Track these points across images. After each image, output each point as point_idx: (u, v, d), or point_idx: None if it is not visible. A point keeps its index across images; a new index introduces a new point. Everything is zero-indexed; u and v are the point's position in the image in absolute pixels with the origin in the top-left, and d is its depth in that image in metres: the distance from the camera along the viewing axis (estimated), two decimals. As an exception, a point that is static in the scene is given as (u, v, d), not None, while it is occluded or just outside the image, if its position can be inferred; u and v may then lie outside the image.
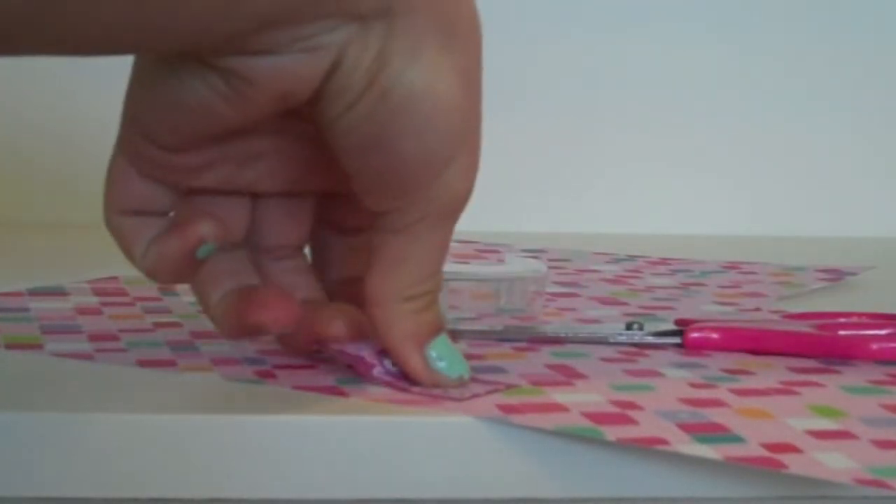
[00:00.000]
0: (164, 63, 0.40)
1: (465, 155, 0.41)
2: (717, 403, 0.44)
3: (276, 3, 0.37)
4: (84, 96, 0.90)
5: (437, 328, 0.44)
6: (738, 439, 0.40)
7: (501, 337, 0.54)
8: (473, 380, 0.45)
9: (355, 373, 0.45)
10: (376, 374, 0.44)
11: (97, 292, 0.62)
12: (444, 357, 0.44)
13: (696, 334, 0.53)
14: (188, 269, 0.44)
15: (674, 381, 0.47)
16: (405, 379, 0.44)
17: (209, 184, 0.44)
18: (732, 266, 0.77)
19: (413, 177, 0.41)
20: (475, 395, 0.43)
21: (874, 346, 0.51)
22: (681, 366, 0.50)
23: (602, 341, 0.53)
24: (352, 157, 0.41)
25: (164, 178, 0.44)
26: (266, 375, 0.46)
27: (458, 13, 0.40)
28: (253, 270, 0.47)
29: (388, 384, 0.44)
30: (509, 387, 0.45)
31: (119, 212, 0.44)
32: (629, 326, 0.54)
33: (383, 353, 0.45)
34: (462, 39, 0.40)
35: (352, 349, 0.45)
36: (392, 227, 0.42)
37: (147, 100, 0.42)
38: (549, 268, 0.66)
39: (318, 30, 0.39)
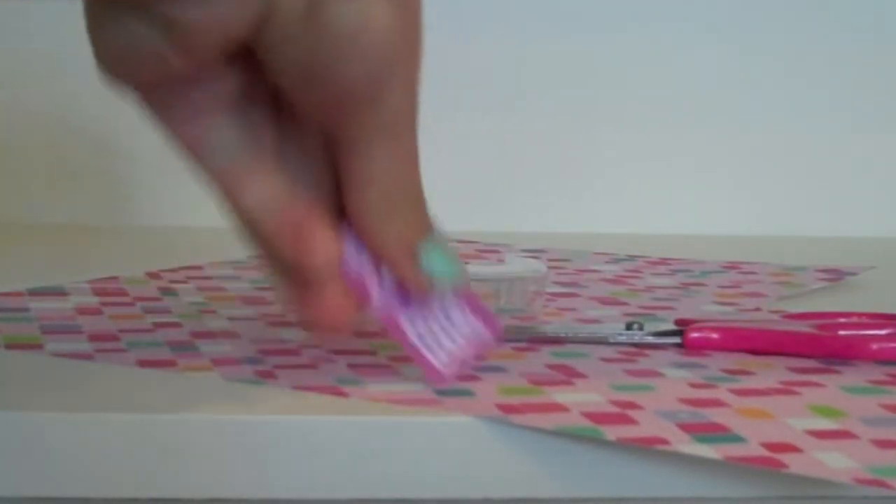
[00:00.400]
0: (109, 11, 0.40)
1: (405, 72, 0.42)
2: (717, 403, 0.44)
3: None
4: (84, 96, 0.90)
5: (423, 232, 0.44)
6: (738, 439, 0.40)
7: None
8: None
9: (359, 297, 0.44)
10: (376, 304, 0.44)
11: (97, 292, 0.62)
12: (433, 260, 0.44)
13: (696, 334, 0.53)
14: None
15: (674, 381, 0.47)
16: (402, 294, 0.44)
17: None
18: (732, 266, 0.77)
19: (355, 97, 0.41)
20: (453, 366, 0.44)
21: (874, 346, 0.51)
22: (681, 366, 0.50)
23: (602, 341, 0.53)
24: (294, 83, 0.42)
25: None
26: (266, 375, 0.46)
27: None
28: (274, 153, 0.45)
29: (385, 319, 0.44)
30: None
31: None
32: (629, 326, 0.54)
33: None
34: None
35: (353, 265, 0.44)
36: (349, 149, 0.42)
37: (100, 45, 0.41)
38: (549, 268, 0.66)
39: None
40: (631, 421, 0.42)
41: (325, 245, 0.43)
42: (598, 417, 0.42)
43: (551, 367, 0.49)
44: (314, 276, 0.43)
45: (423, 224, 0.44)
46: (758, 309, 0.63)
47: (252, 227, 0.44)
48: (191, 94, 0.43)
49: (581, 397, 0.44)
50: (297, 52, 0.41)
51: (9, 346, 0.50)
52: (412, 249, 0.44)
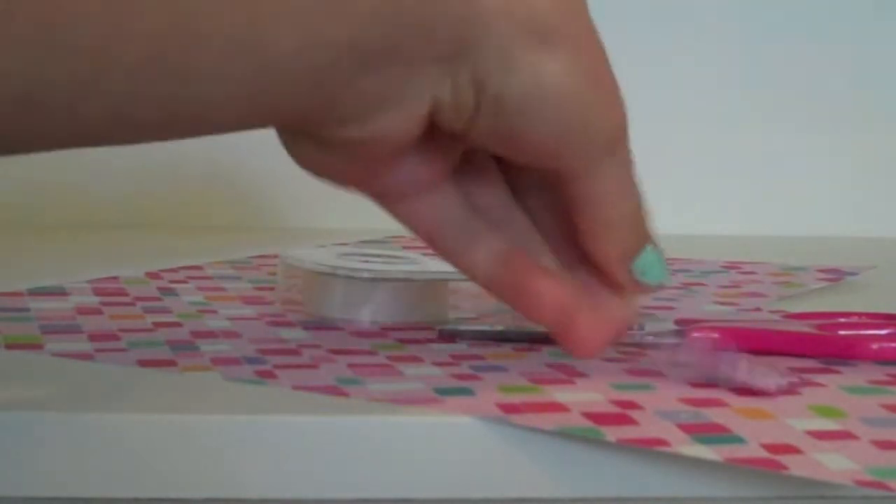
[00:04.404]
0: (291, 135, 0.43)
1: (606, 104, 0.42)
2: (717, 403, 0.44)
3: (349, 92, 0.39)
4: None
5: (644, 240, 0.46)
6: (738, 440, 0.40)
7: (501, 337, 0.54)
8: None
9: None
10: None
11: (97, 292, 0.62)
12: (648, 265, 0.45)
13: (696, 334, 0.53)
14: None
15: (674, 380, 0.47)
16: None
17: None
18: (732, 266, 0.77)
19: (557, 151, 0.42)
20: None
21: (874, 346, 0.51)
22: (681, 366, 0.50)
23: (602, 341, 0.53)
24: (500, 150, 0.43)
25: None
26: (266, 375, 0.46)
27: (543, 8, 0.40)
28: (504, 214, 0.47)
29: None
30: None
31: None
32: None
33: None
34: (561, 29, 0.41)
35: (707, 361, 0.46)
36: (572, 177, 0.43)
37: (297, 159, 0.44)
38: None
39: (401, 89, 0.40)
40: (631, 421, 0.42)
41: (550, 293, 0.45)
42: (599, 418, 0.42)
43: (551, 366, 0.49)
44: (550, 321, 0.46)
45: (645, 232, 0.46)
46: (758, 309, 0.63)
47: (488, 286, 0.47)
48: (401, 178, 0.45)
49: (581, 396, 0.44)
50: (487, 131, 0.41)
51: (9, 346, 0.50)
52: (634, 254, 0.45)
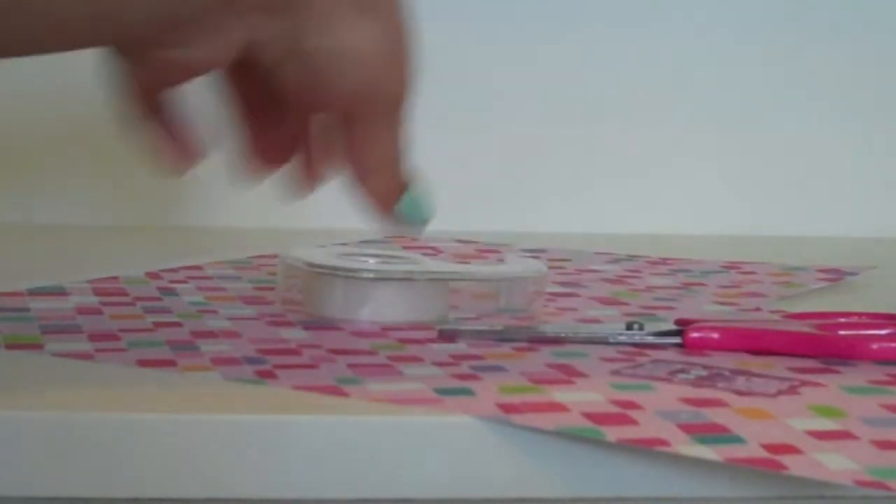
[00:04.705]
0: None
1: (397, 75, 0.50)
2: (717, 403, 0.44)
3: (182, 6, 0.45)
4: (86, 95, 0.90)
5: (399, 189, 0.53)
6: (738, 440, 0.40)
7: (501, 337, 0.54)
8: None
9: None
10: None
11: (97, 292, 0.62)
12: (408, 207, 0.53)
13: (696, 334, 0.53)
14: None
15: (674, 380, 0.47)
16: None
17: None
18: (732, 266, 0.77)
19: (347, 103, 0.50)
20: None
21: (874, 346, 0.51)
22: (681, 366, 0.50)
23: (602, 341, 0.53)
24: (294, 89, 0.50)
25: None
26: (266, 375, 0.46)
27: None
28: None
29: None
30: None
31: None
32: (629, 326, 0.54)
33: None
34: (377, 5, 0.48)
35: None
36: (348, 126, 0.51)
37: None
38: (550, 268, 0.66)
39: (228, 25, 0.47)
40: (631, 421, 0.42)
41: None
42: (598, 418, 0.42)
43: (551, 366, 0.49)
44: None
45: (402, 179, 0.53)
46: (758, 309, 0.63)
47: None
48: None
49: (581, 396, 0.44)
50: (293, 76, 0.49)
51: (9, 346, 0.50)
52: (394, 198, 0.53)
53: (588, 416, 0.42)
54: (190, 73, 0.49)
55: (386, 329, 0.55)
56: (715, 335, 0.53)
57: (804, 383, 0.47)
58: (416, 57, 0.50)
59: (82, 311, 0.57)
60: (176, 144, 0.53)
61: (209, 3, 0.46)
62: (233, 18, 0.46)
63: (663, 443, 0.40)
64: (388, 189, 0.53)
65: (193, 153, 0.54)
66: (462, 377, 0.46)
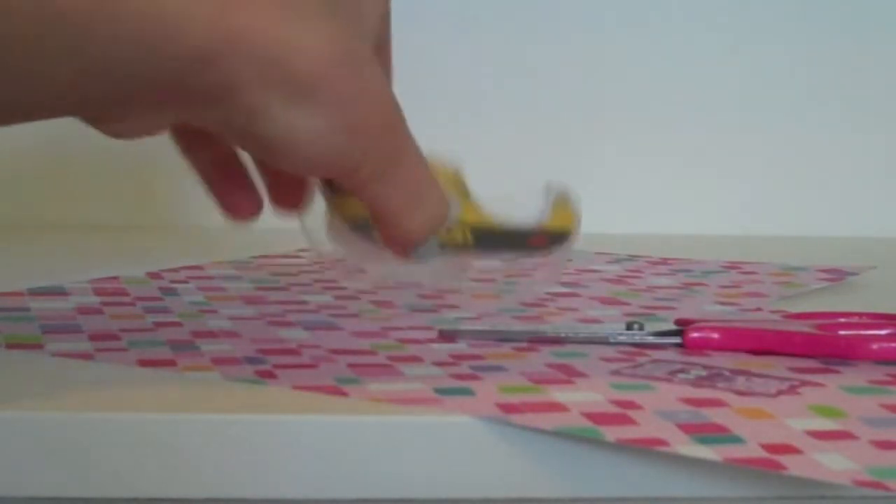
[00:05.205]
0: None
1: (374, 149, 0.45)
2: (716, 403, 0.44)
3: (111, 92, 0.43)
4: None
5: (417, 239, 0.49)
6: (737, 440, 0.40)
7: (501, 337, 0.54)
8: None
9: None
10: None
11: (98, 292, 0.62)
12: (422, 254, 0.49)
13: (696, 334, 0.53)
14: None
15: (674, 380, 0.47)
16: None
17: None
18: (733, 266, 0.77)
19: (312, 173, 0.49)
20: None
21: (874, 346, 0.51)
22: (681, 366, 0.50)
23: (602, 341, 0.53)
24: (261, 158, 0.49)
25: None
26: (266, 375, 0.46)
27: (303, 72, 0.43)
28: None
29: None
30: None
31: None
32: (629, 326, 0.54)
33: None
34: (321, 89, 0.43)
35: None
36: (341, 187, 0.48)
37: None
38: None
39: (149, 112, 0.45)
40: (631, 421, 0.42)
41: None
42: (598, 418, 0.42)
43: (552, 366, 0.49)
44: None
45: (416, 226, 0.48)
46: (758, 309, 0.63)
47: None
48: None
49: (581, 396, 0.44)
50: (246, 146, 0.46)
51: (9, 346, 0.50)
52: (409, 248, 0.48)
53: (588, 416, 0.42)
54: (143, 134, 0.48)
55: (386, 329, 0.55)
56: (715, 335, 0.53)
57: (804, 383, 0.47)
58: (391, 123, 0.46)
59: (82, 310, 0.57)
60: (234, 199, 0.53)
61: (137, 95, 0.43)
62: (157, 109, 0.45)
63: (663, 443, 0.40)
64: (401, 240, 0.48)
65: (253, 207, 0.53)
66: (462, 377, 0.46)
